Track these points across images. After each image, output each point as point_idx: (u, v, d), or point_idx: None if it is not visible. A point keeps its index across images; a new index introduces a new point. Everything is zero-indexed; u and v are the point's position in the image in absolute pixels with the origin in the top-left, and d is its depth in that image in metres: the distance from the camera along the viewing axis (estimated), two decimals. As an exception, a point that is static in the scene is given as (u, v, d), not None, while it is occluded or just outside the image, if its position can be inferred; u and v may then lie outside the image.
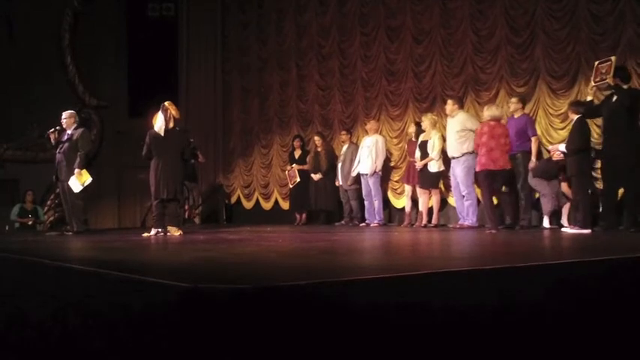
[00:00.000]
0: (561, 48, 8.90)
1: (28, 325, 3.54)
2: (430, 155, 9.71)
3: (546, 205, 8.55)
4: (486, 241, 6.47)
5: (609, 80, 7.42)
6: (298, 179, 12.05)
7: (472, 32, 10.04)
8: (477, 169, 8.41)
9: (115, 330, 2.80)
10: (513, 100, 8.97)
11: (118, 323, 2.79)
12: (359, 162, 10.89)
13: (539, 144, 8.71)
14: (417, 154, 9.96)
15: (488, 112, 8.45)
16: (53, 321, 3.33)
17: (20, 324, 3.63)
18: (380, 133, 11.24)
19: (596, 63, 7.71)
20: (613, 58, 7.55)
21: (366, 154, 10.77)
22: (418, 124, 10.41)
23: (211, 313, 2.38)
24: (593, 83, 7.69)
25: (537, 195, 8.88)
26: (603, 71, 7.53)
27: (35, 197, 13.61)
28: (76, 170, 8.85)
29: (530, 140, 8.60)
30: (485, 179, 8.27)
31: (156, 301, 2.65)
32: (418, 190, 10.15)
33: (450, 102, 9.49)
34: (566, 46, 8.84)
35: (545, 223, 8.58)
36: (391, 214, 11.41)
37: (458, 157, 9.22)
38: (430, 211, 10.11)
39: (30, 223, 13.14)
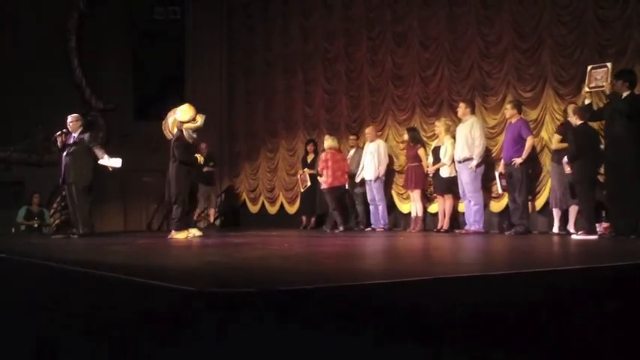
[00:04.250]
0: (568, 53, 8.87)
1: (31, 328, 3.54)
2: (442, 160, 9.72)
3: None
4: (489, 247, 6.45)
5: (606, 89, 7.41)
6: (309, 183, 12.07)
7: (479, 37, 10.03)
8: (326, 187, 10.78)
9: (119, 334, 2.79)
10: (507, 106, 8.99)
11: (123, 327, 2.78)
12: (363, 167, 10.94)
13: (534, 145, 8.80)
14: (430, 159, 10.03)
15: (327, 144, 10.97)
16: (57, 324, 3.32)
17: (23, 327, 3.63)
18: (386, 138, 11.29)
19: (589, 67, 7.69)
20: (609, 64, 7.53)
21: (369, 159, 10.83)
22: (413, 130, 10.56)
23: (217, 317, 2.37)
24: (587, 88, 7.70)
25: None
26: (598, 77, 7.50)
27: (42, 200, 13.62)
28: (105, 157, 9.17)
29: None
30: (332, 193, 10.75)
31: (161, 305, 2.64)
32: (413, 194, 10.39)
33: (462, 105, 9.51)
34: (574, 51, 8.81)
35: (555, 228, 8.57)
36: (397, 218, 11.38)
37: (462, 162, 9.24)
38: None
39: (36, 225, 13.13)
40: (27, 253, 5.58)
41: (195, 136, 8.50)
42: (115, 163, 9.24)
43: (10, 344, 3.65)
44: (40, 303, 3.69)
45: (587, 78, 7.67)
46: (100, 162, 9.10)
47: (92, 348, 2.97)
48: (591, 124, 7.96)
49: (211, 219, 13.55)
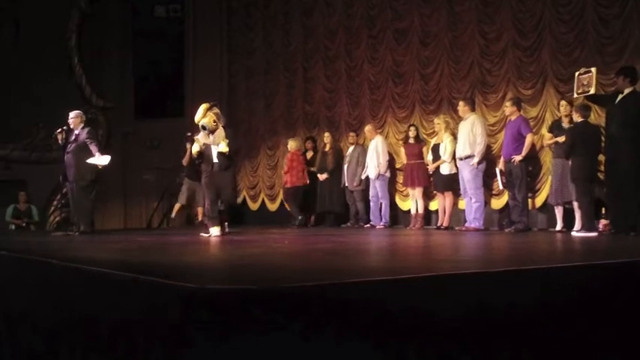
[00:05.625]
0: (569, 51, 8.88)
1: (32, 326, 3.55)
2: (442, 158, 9.72)
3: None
4: (490, 244, 6.46)
5: (592, 92, 7.45)
6: (308, 181, 12.07)
7: (479, 35, 10.03)
8: (289, 186, 12.03)
9: (120, 331, 2.80)
10: (507, 104, 9.01)
11: (124, 324, 2.79)
12: (366, 166, 10.98)
13: (534, 142, 8.82)
14: (430, 156, 10.04)
15: (290, 145, 12.18)
16: (59, 322, 3.33)
17: (24, 325, 3.64)
18: (386, 135, 11.31)
19: (577, 74, 7.77)
20: (593, 69, 7.56)
21: (370, 157, 10.92)
22: (415, 128, 10.60)
23: (218, 314, 2.38)
24: (576, 94, 7.77)
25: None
26: (585, 82, 7.55)
27: (29, 197, 13.60)
28: (97, 154, 9.02)
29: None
30: (292, 192, 11.98)
31: (162, 302, 2.65)
32: (415, 192, 10.43)
33: (461, 103, 9.52)
34: (574, 49, 8.82)
35: (559, 226, 8.57)
36: (397, 216, 11.40)
37: (464, 159, 9.25)
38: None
39: (24, 224, 13.10)
40: (27, 250, 5.59)
41: (207, 139, 8.06)
42: (103, 160, 9.08)
43: (12, 342, 3.66)
44: (40, 300, 3.70)
45: (575, 84, 7.73)
46: (89, 160, 9.01)
47: (92, 346, 2.98)
48: (592, 121, 7.99)
49: (199, 217, 12.53)
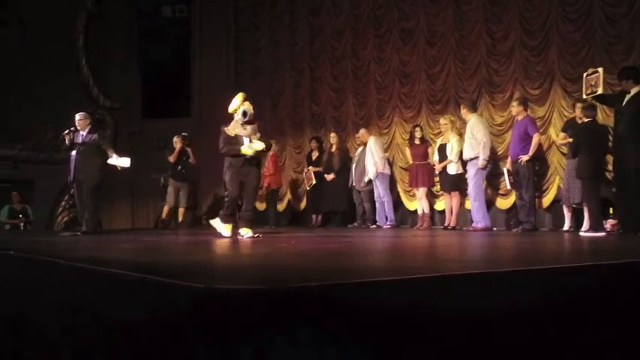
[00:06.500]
0: (576, 51, 8.87)
1: (35, 326, 3.56)
2: (449, 157, 9.72)
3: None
4: (496, 244, 6.45)
5: (600, 92, 7.44)
6: (314, 181, 12.07)
7: (486, 35, 10.03)
8: (275, 187, 12.70)
9: (128, 331, 2.81)
10: (514, 104, 8.99)
11: (132, 324, 2.80)
12: (366, 169, 11.01)
13: (540, 142, 8.83)
14: (436, 156, 10.02)
15: (273, 147, 11.78)
16: (65, 322, 3.34)
17: (27, 324, 3.65)
18: (393, 135, 11.32)
19: (585, 75, 7.71)
20: (600, 69, 7.54)
21: (368, 159, 11.00)
22: (420, 128, 10.64)
23: (225, 314, 2.38)
24: (584, 95, 7.74)
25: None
26: (592, 83, 7.52)
27: (23, 197, 13.65)
28: (115, 156, 9.24)
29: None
30: (274, 194, 12.70)
31: (169, 302, 2.65)
32: (419, 191, 10.45)
33: (461, 106, 9.53)
34: (581, 48, 8.80)
35: (566, 226, 8.55)
36: (404, 216, 11.39)
37: (469, 160, 9.25)
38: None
39: (22, 224, 13.10)
40: (35, 250, 5.61)
41: (241, 129, 7.42)
42: (124, 162, 9.30)
43: (17, 342, 3.68)
44: (47, 300, 3.71)
45: (583, 85, 7.71)
46: (109, 161, 9.15)
47: (98, 347, 2.99)
48: (601, 121, 7.97)
49: (180, 218, 12.41)
